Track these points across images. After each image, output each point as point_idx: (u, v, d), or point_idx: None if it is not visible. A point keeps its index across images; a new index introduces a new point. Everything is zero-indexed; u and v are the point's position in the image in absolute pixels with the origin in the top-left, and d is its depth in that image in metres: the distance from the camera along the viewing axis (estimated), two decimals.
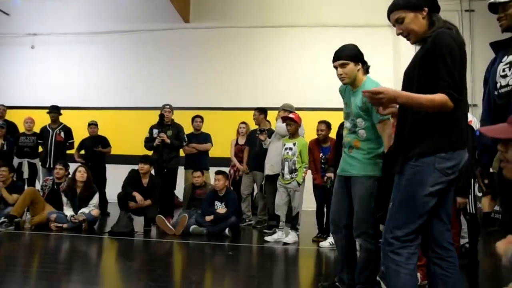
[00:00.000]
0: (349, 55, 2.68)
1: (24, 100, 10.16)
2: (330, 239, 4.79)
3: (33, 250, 4.62)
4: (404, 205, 1.92)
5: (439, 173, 1.86)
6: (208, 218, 5.31)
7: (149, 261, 4.15)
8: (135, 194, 5.60)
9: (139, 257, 4.33)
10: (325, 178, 4.93)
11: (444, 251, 1.98)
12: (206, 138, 6.79)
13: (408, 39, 2.04)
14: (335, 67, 2.72)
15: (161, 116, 6.35)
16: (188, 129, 6.84)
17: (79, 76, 10.27)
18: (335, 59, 2.72)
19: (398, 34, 2.06)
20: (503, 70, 2.21)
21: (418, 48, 2.09)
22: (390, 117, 2.61)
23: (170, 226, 5.37)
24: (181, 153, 6.77)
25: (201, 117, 6.92)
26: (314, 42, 9.52)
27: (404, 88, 2.05)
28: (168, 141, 6.21)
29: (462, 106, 1.92)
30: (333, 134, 5.22)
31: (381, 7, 8.84)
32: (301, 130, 5.58)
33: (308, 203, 5.65)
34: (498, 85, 2.23)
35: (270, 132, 5.94)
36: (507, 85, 2.17)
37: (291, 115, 5.15)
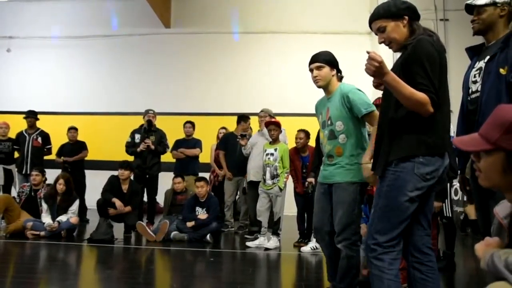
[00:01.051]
0: (325, 59, 2.76)
1: None
2: (311, 244, 4.84)
3: (8, 259, 4.48)
4: (386, 211, 1.94)
5: (418, 178, 1.89)
6: (189, 224, 5.28)
7: (129, 268, 4.10)
8: (115, 200, 5.54)
9: (119, 265, 4.27)
10: (306, 183, 4.97)
11: (424, 255, 2.01)
12: (195, 143, 6.75)
13: (390, 47, 2.08)
14: (311, 70, 2.79)
15: (149, 122, 6.31)
16: (173, 134, 6.81)
17: (57, 81, 10.10)
18: (312, 62, 2.79)
19: (380, 43, 2.09)
20: (474, 76, 2.28)
21: (398, 55, 2.14)
22: (375, 109, 2.60)
23: (151, 233, 5.32)
24: (169, 158, 6.73)
25: (192, 123, 6.90)
26: (294, 49, 9.61)
27: (386, 94, 2.09)
28: (152, 147, 6.17)
29: (443, 112, 1.95)
30: (312, 140, 5.28)
31: (360, 15, 9.04)
32: (284, 137, 5.64)
33: (289, 208, 5.69)
34: (470, 90, 2.29)
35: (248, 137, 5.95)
36: (477, 91, 2.23)
37: (274, 120, 5.21)
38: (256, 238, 5.15)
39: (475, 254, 1.31)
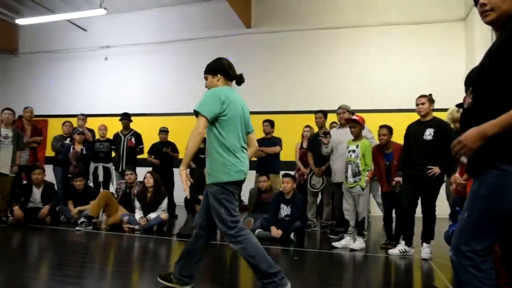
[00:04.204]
0: (207, 69, 2.99)
1: (98, 108, 10.86)
2: (400, 246, 4.60)
3: (108, 250, 4.89)
4: (485, 217, 1.73)
5: None
6: (277, 233, 5.24)
7: (214, 264, 4.20)
8: (201, 198, 5.71)
9: (205, 261, 4.39)
10: (393, 182, 4.74)
11: None
12: (275, 142, 6.74)
13: (485, 15, 1.80)
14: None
15: None
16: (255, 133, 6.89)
17: (148, 84, 10.79)
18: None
19: (481, 5, 1.80)
20: None
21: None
22: (204, 113, 2.70)
23: None
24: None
25: (270, 121, 6.89)
26: (377, 42, 9.23)
27: (478, 84, 1.83)
28: None
29: None
30: (398, 137, 5.01)
31: (454, 2, 8.31)
32: (368, 133, 5.43)
33: (376, 207, 5.47)
34: None
35: None
36: None
37: (354, 117, 5.04)
38: (341, 238, 5.02)
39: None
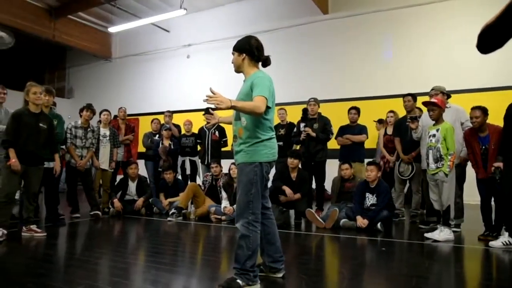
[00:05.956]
0: (235, 46, 2.94)
1: (183, 104, 11.38)
2: (503, 238, 4.21)
3: (197, 239, 5.13)
4: None
5: None
6: (363, 223, 5.13)
7: (300, 254, 4.21)
8: (285, 188, 5.76)
9: (290, 250, 4.41)
10: (493, 168, 4.35)
11: None
12: (361, 130, 6.57)
13: None
14: None
15: (304, 111, 6.43)
16: (338, 120, 6.76)
17: (229, 78, 10.94)
18: None
19: None
20: None
21: None
22: (265, 96, 2.67)
23: (320, 220, 5.38)
24: (335, 145, 6.70)
25: (357, 109, 6.70)
26: (463, 16, 8.48)
27: None
28: (313, 134, 6.25)
29: None
30: (495, 118, 4.57)
31: None
32: (464, 116, 5.07)
33: (472, 196, 5.08)
34: None
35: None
36: None
37: (433, 100, 4.72)
38: (434, 229, 4.74)
39: None
